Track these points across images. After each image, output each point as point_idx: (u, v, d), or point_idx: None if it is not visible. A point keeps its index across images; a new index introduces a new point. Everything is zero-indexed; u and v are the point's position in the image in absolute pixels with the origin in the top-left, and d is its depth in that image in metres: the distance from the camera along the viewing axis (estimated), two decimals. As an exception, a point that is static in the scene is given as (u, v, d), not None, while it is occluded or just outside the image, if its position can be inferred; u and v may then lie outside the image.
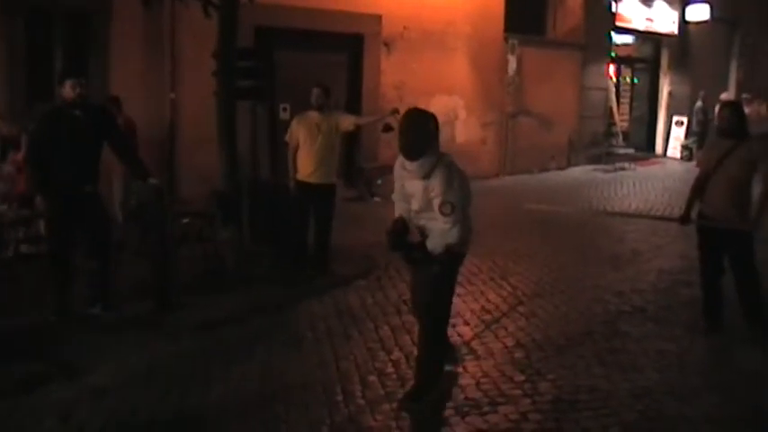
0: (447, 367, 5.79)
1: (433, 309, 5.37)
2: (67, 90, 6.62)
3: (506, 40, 16.84)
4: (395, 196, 5.50)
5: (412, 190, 5.21)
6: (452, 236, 5.10)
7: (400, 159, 5.25)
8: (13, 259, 8.17)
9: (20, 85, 10.95)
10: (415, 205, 5.23)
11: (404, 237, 5.35)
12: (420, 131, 5.10)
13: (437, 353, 5.47)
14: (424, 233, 5.27)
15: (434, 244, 5.16)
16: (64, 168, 6.61)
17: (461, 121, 16.17)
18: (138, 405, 5.32)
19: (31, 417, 5.08)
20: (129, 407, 5.29)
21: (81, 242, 6.99)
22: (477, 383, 5.70)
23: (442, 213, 5.05)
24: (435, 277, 5.27)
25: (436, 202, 5.06)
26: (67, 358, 5.97)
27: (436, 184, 5.04)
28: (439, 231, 5.11)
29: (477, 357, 6.22)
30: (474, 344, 6.53)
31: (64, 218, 6.77)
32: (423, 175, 5.07)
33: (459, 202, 5.10)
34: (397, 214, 5.44)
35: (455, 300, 7.60)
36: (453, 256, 5.28)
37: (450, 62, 15.84)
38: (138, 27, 11.71)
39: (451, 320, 7.00)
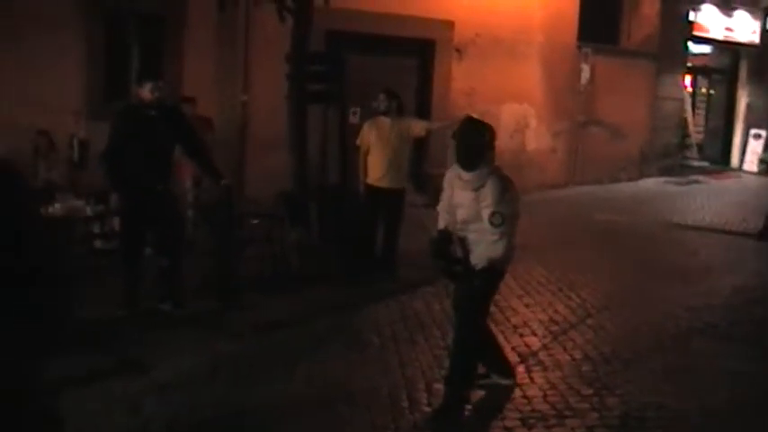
0: (503, 382, 5.70)
1: (465, 327, 5.29)
2: (146, 92, 6.76)
3: (579, 48, 16.61)
4: (440, 206, 5.46)
5: (461, 200, 5.17)
6: (498, 249, 5.04)
7: (454, 169, 5.22)
8: (87, 254, 8.34)
9: (98, 85, 11.20)
10: (461, 215, 5.18)
11: (447, 247, 5.29)
12: (478, 141, 5.06)
13: (465, 373, 5.33)
14: (466, 246, 5.21)
15: (478, 257, 5.11)
16: (138, 166, 6.73)
17: (532, 130, 15.98)
18: (202, 401, 5.36)
19: (101, 408, 5.15)
20: (194, 403, 5.33)
21: (152, 239, 7.12)
22: (544, 395, 5.60)
23: (492, 224, 4.99)
24: (474, 292, 5.21)
25: (486, 213, 5.01)
26: (136, 353, 6.05)
27: (488, 193, 5.00)
28: (484, 244, 5.06)
29: (545, 369, 6.12)
30: (541, 355, 6.42)
31: (136, 215, 6.90)
32: (476, 186, 5.03)
33: (509, 215, 5.03)
34: (441, 225, 5.39)
35: (523, 309, 7.62)
36: (494, 273, 5.21)
37: (522, 70, 15.66)
38: (211, 30, 11.87)
39: (519, 330, 6.99)
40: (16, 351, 2.82)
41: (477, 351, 5.42)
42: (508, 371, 5.79)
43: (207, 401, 5.36)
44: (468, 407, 5.34)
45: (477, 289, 5.20)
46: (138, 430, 4.94)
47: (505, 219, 4.99)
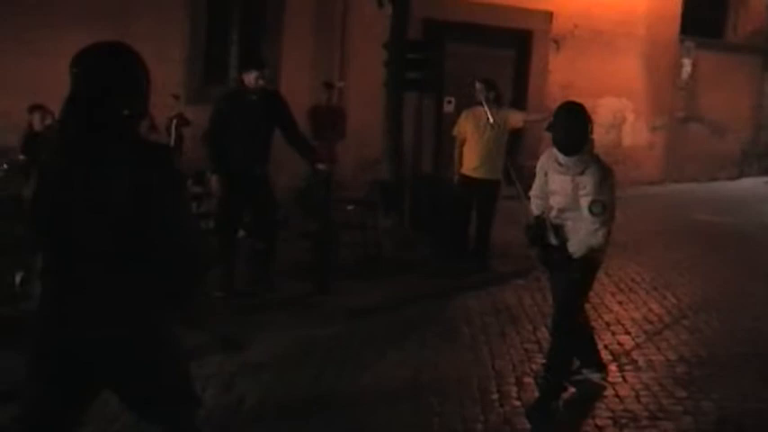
0: (595, 377, 5.61)
1: (564, 320, 5.19)
2: (251, 79, 6.87)
3: (681, 42, 16.18)
4: (533, 192, 5.35)
5: (557, 187, 5.04)
6: (597, 238, 4.91)
7: (549, 153, 5.10)
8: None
9: (198, 69, 11.43)
10: (558, 203, 5.07)
11: (543, 233, 5.19)
12: (580, 126, 4.92)
13: (562, 366, 5.26)
14: (559, 234, 5.09)
15: (576, 245, 4.99)
16: (238, 149, 6.84)
17: (629, 125, 15.67)
18: (293, 383, 5.44)
19: (196, 384, 5.25)
20: (286, 384, 5.42)
21: (247, 222, 7.23)
22: (637, 395, 5.48)
23: (592, 213, 4.86)
24: (572, 284, 5.10)
25: (585, 201, 4.88)
26: (231, 333, 6.17)
27: (588, 181, 4.87)
28: (584, 232, 4.94)
29: (638, 369, 5.99)
30: (635, 354, 6.29)
31: (233, 197, 7.00)
32: (576, 172, 4.91)
33: (609, 204, 4.91)
34: (535, 212, 5.30)
35: (617, 307, 7.49)
36: (592, 264, 5.10)
37: (621, 63, 15.35)
38: (310, 16, 11.99)
39: (612, 328, 6.87)
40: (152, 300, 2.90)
41: (575, 344, 5.34)
42: (602, 366, 5.70)
43: (298, 384, 5.44)
44: (560, 403, 5.26)
45: (576, 281, 5.10)
46: (230, 407, 5.04)
47: (606, 207, 4.88)
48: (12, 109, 9.50)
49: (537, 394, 5.33)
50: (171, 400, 3.04)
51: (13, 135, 8.85)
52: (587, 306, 7.03)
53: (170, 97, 10.01)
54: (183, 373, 3.10)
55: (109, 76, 2.82)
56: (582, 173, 4.90)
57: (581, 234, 4.96)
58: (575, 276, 5.06)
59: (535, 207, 5.33)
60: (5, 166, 8.19)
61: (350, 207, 8.54)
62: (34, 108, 9.42)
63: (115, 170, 2.73)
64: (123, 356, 2.84)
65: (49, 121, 9.10)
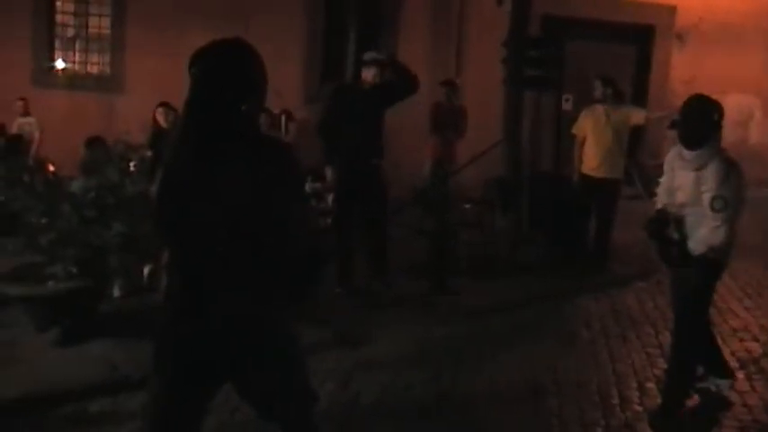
0: (721, 383, 5.38)
1: (687, 325, 5.01)
2: (369, 75, 6.92)
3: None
4: (660, 188, 5.18)
5: (681, 182, 4.88)
6: (718, 236, 4.70)
7: (676, 149, 4.93)
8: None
9: (316, 65, 11.61)
10: (680, 198, 4.89)
11: (664, 228, 5.01)
12: (703, 119, 4.74)
13: (685, 371, 5.07)
14: (681, 231, 4.90)
15: (696, 242, 4.80)
16: (352, 141, 6.88)
17: (756, 122, 15.04)
18: (410, 382, 5.45)
19: (315, 379, 5.34)
20: (402, 382, 5.43)
21: (362, 216, 7.24)
22: (766, 405, 5.27)
23: (713, 209, 4.66)
24: (692, 290, 4.92)
25: (707, 197, 4.69)
26: (347, 329, 6.23)
27: (710, 176, 4.67)
28: (704, 229, 4.74)
29: (767, 377, 5.76)
30: (764, 363, 6.05)
31: (349, 189, 7.05)
32: (698, 166, 4.73)
33: (733, 200, 4.70)
34: (659, 206, 5.13)
35: (744, 313, 7.20)
36: (713, 264, 4.87)
37: (748, 57, 14.73)
38: (427, 11, 12.00)
39: (739, 334, 6.62)
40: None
41: (697, 350, 5.16)
42: (729, 372, 5.48)
43: (414, 381, 5.45)
44: (685, 411, 5.11)
45: (696, 282, 4.93)
46: (347, 404, 5.09)
47: (728, 204, 4.68)
48: (145, 107, 9.92)
49: (660, 400, 5.18)
50: (289, 394, 3.08)
51: (144, 133, 9.22)
52: (713, 311, 6.83)
53: (284, 93, 10.15)
54: (300, 368, 3.13)
55: (226, 73, 2.84)
56: (704, 167, 4.73)
57: (702, 231, 4.79)
58: (695, 277, 4.90)
59: (659, 202, 5.18)
60: (134, 162, 8.51)
61: (467, 206, 8.51)
62: (160, 105, 9.78)
63: (235, 167, 2.77)
64: (242, 350, 2.89)
65: (172, 118, 9.43)
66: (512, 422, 4.92)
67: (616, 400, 5.25)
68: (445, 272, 7.35)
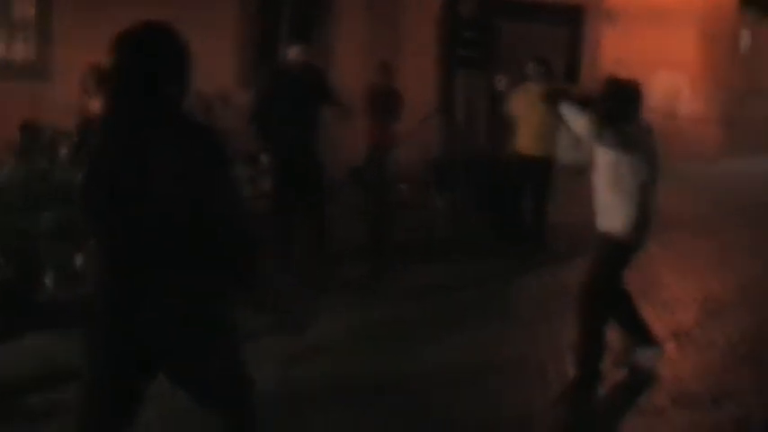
0: (649, 357, 5.46)
1: (588, 296, 5.14)
2: (293, 54, 6.86)
3: (740, 12, 15.80)
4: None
5: (598, 160, 5.03)
6: (616, 215, 4.90)
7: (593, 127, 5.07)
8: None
9: (250, 46, 11.45)
10: (595, 173, 5.06)
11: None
12: (620, 99, 4.94)
13: (591, 345, 5.13)
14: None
15: (599, 220, 5.01)
16: (285, 126, 6.83)
17: (685, 99, 15.39)
18: (352, 365, 5.45)
19: (255, 363, 5.31)
20: (344, 366, 5.43)
21: (300, 201, 7.20)
22: (697, 375, 5.42)
23: (612, 189, 4.87)
24: (594, 260, 5.10)
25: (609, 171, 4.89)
26: (288, 314, 6.20)
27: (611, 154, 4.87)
28: (606, 207, 4.96)
29: (698, 348, 5.92)
30: (695, 333, 6.21)
31: (286, 176, 7.01)
32: (614, 145, 4.86)
33: (636, 175, 4.86)
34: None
35: (675, 285, 7.38)
36: (616, 241, 5.00)
37: (676, 36, 15.06)
38: (363, -5, 11.94)
39: (670, 306, 6.78)
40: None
41: (602, 321, 5.21)
42: (654, 340, 5.51)
43: (357, 365, 5.45)
44: (618, 384, 5.23)
45: (595, 258, 5.11)
46: (290, 389, 5.05)
47: (628, 182, 4.87)
48: (73, 95, 9.68)
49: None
50: (224, 381, 3.07)
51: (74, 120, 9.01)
52: (644, 284, 6.99)
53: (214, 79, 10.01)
54: (235, 354, 3.12)
55: (147, 57, 2.80)
56: (620, 146, 4.86)
57: (605, 211, 5.00)
58: (598, 253, 5.09)
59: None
60: (64, 150, 8.33)
61: (403, 186, 8.53)
62: (84, 92, 9.56)
63: (162, 153, 2.73)
64: (176, 340, 2.87)
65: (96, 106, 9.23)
66: (455, 402, 4.94)
67: (555, 376, 5.33)
68: (386, 254, 7.36)
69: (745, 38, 15.94)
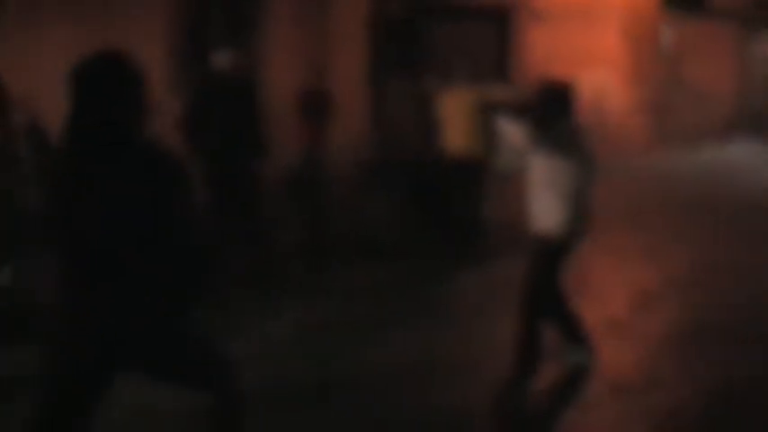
0: (581, 356, 5.53)
1: (530, 295, 5.22)
2: (221, 60, 6.80)
3: (662, 10, 16.17)
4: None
5: (532, 162, 5.09)
6: (551, 217, 4.97)
7: (528, 129, 5.15)
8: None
9: (181, 53, 11.30)
10: (531, 177, 5.12)
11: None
12: (554, 102, 4.99)
13: (530, 343, 5.23)
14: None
15: (535, 220, 5.08)
16: (216, 135, 6.78)
17: (612, 95, 15.68)
18: (292, 368, 5.41)
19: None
20: (282, 369, 5.39)
21: (232, 207, 7.14)
22: (632, 365, 5.51)
23: (549, 191, 4.93)
24: (532, 260, 5.18)
25: (545, 174, 4.96)
26: (224, 319, 6.15)
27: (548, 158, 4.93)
28: (542, 208, 5.02)
29: (632, 338, 6.02)
30: (628, 324, 6.32)
31: (219, 183, 6.95)
32: (548, 147, 4.94)
33: (572, 178, 4.94)
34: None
35: (609, 278, 7.50)
36: (553, 240, 5.09)
37: (602, 34, 15.34)
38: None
39: (605, 299, 6.89)
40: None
41: (540, 319, 5.31)
42: (586, 343, 5.62)
43: (294, 368, 5.42)
44: (553, 377, 5.30)
45: (537, 255, 5.17)
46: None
47: (561, 184, 4.94)
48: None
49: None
50: (199, 369, 3.19)
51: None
52: (577, 279, 7.10)
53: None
54: (207, 347, 3.22)
55: (103, 85, 2.91)
56: (548, 150, 4.93)
57: (538, 212, 5.08)
58: (536, 251, 5.15)
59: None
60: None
61: (338, 188, 8.52)
62: (12, 104, 9.32)
63: (121, 175, 2.83)
64: (140, 351, 2.98)
65: (25, 118, 9.01)
66: (390, 403, 4.95)
67: (491, 373, 5.36)
68: (322, 255, 7.35)
69: (667, 34, 16.30)
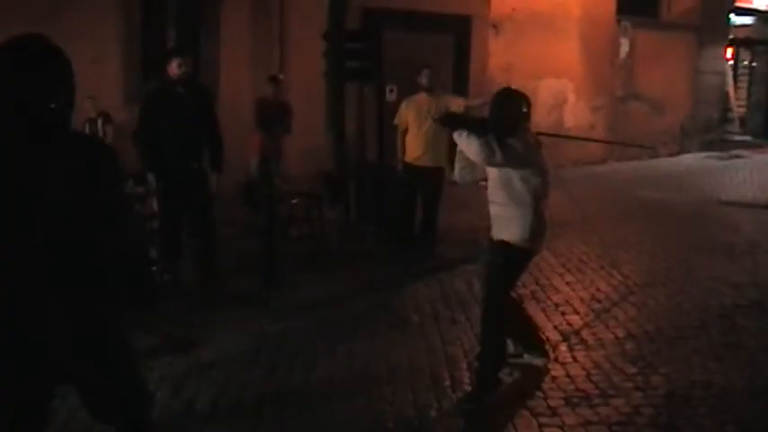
0: (538, 362, 5.60)
1: (491, 305, 5.21)
2: (173, 68, 6.73)
3: (618, 21, 16.37)
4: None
5: (489, 170, 5.10)
6: (508, 226, 5.01)
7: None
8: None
9: (135, 63, 11.20)
10: (490, 188, 5.15)
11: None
12: (511, 113, 5.01)
13: (489, 353, 5.22)
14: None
15: (495, 230, 5.10)
16: (170, 145, 6.71)
17: (570, 105, 15.82)
18: (245, 381, 5.38)
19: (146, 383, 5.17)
20: (237, 382, 5.35)
21: (187, 220, 7.08)
22: (588, 374, 5.53)
23: (507, 202, 4.97)
24: (492, 269, 5.17)
25: (503, 185, 4.98)
26: (179, 333, 6.08)
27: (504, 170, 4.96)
28: (502, 219, 5.04)
29: (588, 347, 6.05)
30: (584, 333, 6.35)
31: (172, 194, 6.88)
32: (500, 159, 4.92)
33: (529, 188, 4.97)
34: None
35: (564, 287, 7.55)
36: (514, 249, 5.08)
37: (560, 45, 15.48)
38: (247, 6, 11.84)
39: (560, 308, 6.94)
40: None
41: (501, 328, 5.30)
42: (542, 350, 5.68)
43: (250, 381, 5.38)
44: (510, 386, 5.30)
45: (494, 266, 5.17)
46: (181, 408, 4.96)
47: (520, 191, 4.97)
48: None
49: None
50: (124, 397, 3.06)
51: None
52: (534, 287, 7.18)
53: (91, 97, 9.75)
54: (134, 370, 3.14)
55: (29, 71, 2.74)
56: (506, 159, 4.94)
57: (498, 220, 5.09)
58: (495, 261, 5.14)
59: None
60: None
61: (294, 200, 8.48)
62: None
63: (52, 168, 2.70)
64: (72, 357, 2.86)
65: None
66: (347, 414, 4.93)
67: (447, 383, 5.36)
68: (276, 268, 7.29)
69: (624, 45, 16.50)
